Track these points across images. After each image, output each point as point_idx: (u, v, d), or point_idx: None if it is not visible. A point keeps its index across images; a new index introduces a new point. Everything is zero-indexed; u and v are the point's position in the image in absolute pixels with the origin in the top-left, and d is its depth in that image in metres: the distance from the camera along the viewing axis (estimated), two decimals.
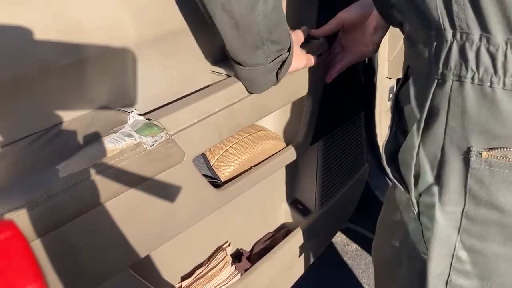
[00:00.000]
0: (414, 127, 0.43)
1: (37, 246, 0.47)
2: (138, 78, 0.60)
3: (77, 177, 0.48)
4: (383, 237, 0.60)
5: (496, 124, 0.37)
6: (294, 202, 1.04)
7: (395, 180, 0.49)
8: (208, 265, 0.82)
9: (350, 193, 1.09)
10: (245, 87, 0.66)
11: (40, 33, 0.48)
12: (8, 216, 0.43)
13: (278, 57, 0.62)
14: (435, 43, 0.40)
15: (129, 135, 0.52)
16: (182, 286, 0.79)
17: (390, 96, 1.16)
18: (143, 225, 0.59)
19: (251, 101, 0.68)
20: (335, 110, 0.90)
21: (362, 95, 1.06)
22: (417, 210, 0.47)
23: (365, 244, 1.48)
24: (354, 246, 1.51)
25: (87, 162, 0.49)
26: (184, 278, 0.81)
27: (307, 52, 0.73)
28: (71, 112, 0.55)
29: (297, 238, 0.93)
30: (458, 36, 0.38)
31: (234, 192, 0.73)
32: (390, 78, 1.12)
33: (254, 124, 0.89)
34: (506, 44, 0.35)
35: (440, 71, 0.40)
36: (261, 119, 0.76)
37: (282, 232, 1.00)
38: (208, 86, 0.67)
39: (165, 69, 0.65)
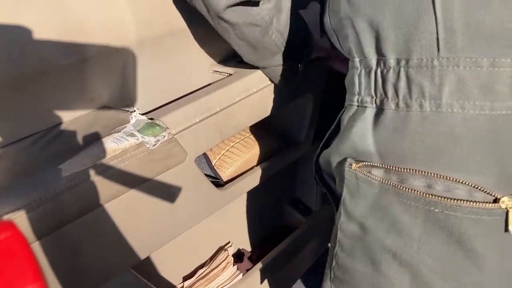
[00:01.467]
0: (322, 142, 0.48)
1: (39, 246, 0.46)
2: (139, 78, 0.60)
3: (80, 176, 0.47)
4: None
5: (362, 141, 0.39)
6: (295, 202, 1.04)
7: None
8: (210, 265, 0.82)
9: None
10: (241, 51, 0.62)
11: (41, 33, 0.47)
12: (10, 216, 0.43)
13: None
14: (351, 70, 0.42)
15: (132, 135, 0.52)
16: (184, 286, 0.78)
17: None
18: (145, 225, 0.58)
19: (253, 101, 0.68)
20: (336, 110, 0.90)
21: None
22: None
23: None
24: None
25: (90, 161, 0.48)
26: (186, 278, 0.81)
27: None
28: (73, 112, 0.55)
29: (298, 238, 0.93)
30: (363, 63, 0.39)
31: (236, 191, 0.73)
32: None
33: (255, 123, 0.89)
34: (377, 65, 0.37)
35: (348, 96, 0.42)
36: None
37: (283, 232, 1.00)
38: (209, 85, 0.67)
39: (166, 69, 0.65)
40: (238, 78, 0.69)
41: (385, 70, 0.37)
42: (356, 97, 0.40)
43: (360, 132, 0.39)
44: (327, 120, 0.89)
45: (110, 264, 0.56)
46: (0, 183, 0.45)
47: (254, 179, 0.77)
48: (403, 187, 0.36)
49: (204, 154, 0.77)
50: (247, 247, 0.96)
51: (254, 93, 0.68)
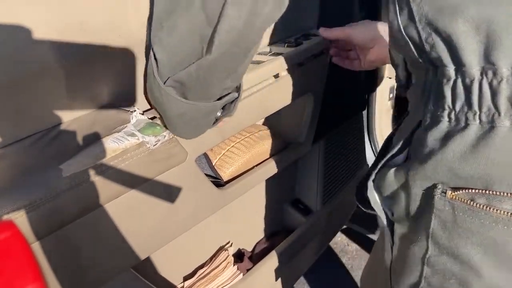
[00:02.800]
0: (385, 158, 0.41)
1: (39, 247, 0.46)
2: (140, 78, 0.60)
3: (80, 177, 0.47)
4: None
5: (465, 163, 0.33)
6: (295, 202, 1.04)
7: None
8: (210, 265, 0.82)
9: (351, 192, 1.09)
10: (170, 129, 0.56)
11: (42, 33, 0.47)
12: (11, 216, 0.43)
13: (227, 95, 0.53)
14: (422, 79, 0.38)
15: (132, 135, 0.52)
16: (185, 286, 0.78)
17: (391, 96, 1.16)
18: (146, 225, 0.58)
19: (253, 101, 0.68)
20: (336, 110, 0.90)
21: (363, 94, 1.06)
22: (391, 240, 0.44)
23: (365, 244, 1.48)
24: (354, 246, 1.51)
25: (90, 161, 0.48)
26: (186, 278, 0.81)
27: (306, 47, 0.73)
28: (73, 111, 0.55)
29: (298, 238, 0.93)
30: (438, 72, 0.35)
31: (236, 191, 0.73)
32: (390, 78, 1.12)
33: (256, 123, 0.89)
34: (482, 74, 0.32)
35: (421, 109, 0.37)
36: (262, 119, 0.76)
37: (283, 231, 1.00)
38: None
39: None
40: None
41: (495, 81, 0.31)
42: (447, 111, 0.34)
43: (460, 154, 0.33)
44: (327, 120, 0.90)
45: (111, 264, 0.56)
46: (0, 183, 0.45)
47: (254, 179, 0.77)
48: None
49: (205, 154, 0.76)
50: (248, 247, 0.96)
51: (254, 93, 0.68)
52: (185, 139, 0.59)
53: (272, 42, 0.76)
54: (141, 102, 0.61)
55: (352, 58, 0.78)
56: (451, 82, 0.34)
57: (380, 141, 1.17)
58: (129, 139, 0.51)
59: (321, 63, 0.79)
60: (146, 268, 0.68)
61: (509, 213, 0.32)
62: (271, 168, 0.80)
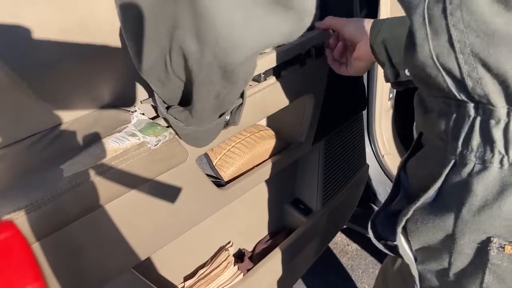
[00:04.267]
0: (417, 204, 0.36)
1: (40, 247, 0.46)
2: (140, 78, 0.60)
3: (81, 177, 0.47)
4: None
5: None
6: (296, 202, 1.04)
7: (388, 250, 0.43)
8: (210, 265, 0.82)
9: (351, 192, 1.09)
10: (183, 140, 0.58)
11: (42, 33, 0.47)
12: (11, 216, 0.43)
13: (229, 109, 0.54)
14: (454, 115, 0.32)
15: (133, 135, 0.52)
16: (185, 286, 0.78)
17: (390, 96, 1.16)
18: (146, 225, 0.58)
19: (253, 101, 0.68)
20: (336, 110, 0.90)
21: (363, 94, 1.06)
22: (419, 286, 0.41)
23: (365, 244, 1.48)
24: (354, 246, 1.51)
25: (91, 161, 0.48)
26: (186, 278, 0.80)
27: (306, 39, 0.72)
28: (74, 111, 0.55)
29: (298, 237, 0.93)
30: (480, 111, 0.30)
31: (237, 191, 0.73)
32: None
33: (256, 123, 0.89)
34: None
35: (458, 150, 0.32)
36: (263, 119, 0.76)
37: (284, 231, 1.00)
38: None
39: None
40: None
41: None
42: (499, 157, 0.30)
43: None
44: (328, 120, 0.90)
45: (111, 264, 0.56)
46: (1, 183, 0.45)
47: (255, 179, 0.77)
48: None
49: (205, 154, 0.76)
50: (248, 247, 0.96)
51: (255, 93, 0.68)
52: (199, 147, 0.61)
53: None
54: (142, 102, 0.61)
55: (341, 63, 0.76)
56: (502, 125, 0.29)
57: (380, 141, 1.17)
58: (130, 139, 0.51)
59: (322, 63, 0.79)
60: (146, 268, 0.68)
61: None
62: (272, 168, 0.80)
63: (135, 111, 0.55)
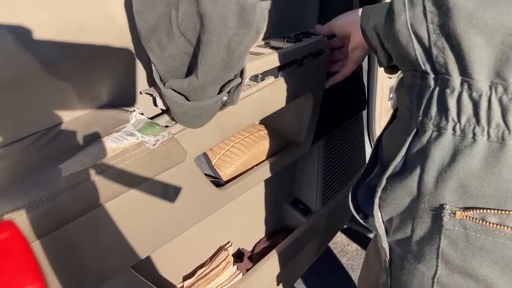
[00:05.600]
0: (387, 173, 0.39)
1: (39, 246, 0.46)
2: (139, 77, 0.60)
3: (79, 176, 0.47)
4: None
5: (475, 181, 0.32)
6: (295, 202, 1.04)
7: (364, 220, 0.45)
8: (210, 265, 0.82)
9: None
10: (178, 121, 0.57)
11: (41, 33, 0.47)
12: (10, 216, 0.43)
13: (228, 82, 0.54)
14: (418, 88, 0.36)
15: (132, 134, 0.52)
16: (184, 286, 0.78)
17: (390, 95, 1.16)
18: (145, 225, 0.58)
19: (253, 100, 0.68)
20: (336, 110, 0.90)
21: (363, 94, 1.06)
22: (388, 258, 0.42)
23: (365, 244, 1.48)
24: (354, 246, 1.51)
25: (89, 161, 0.48)
26: (186, 278, 0.81)
27: (306, 44, 0.73)
28: (73, 111, 0.55)
29: (297, 237, 0.93)
30: (439, 81, 0.33)
31: (236, 191, 0.73)
32: (390, 78, 1.12)
33: (255, 123, 0.89)
34: (491, 89, 0.30)
35: (419, 119, 0.35)
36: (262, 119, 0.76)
37: (283, 231, 1.00)
38: None
39: None
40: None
41: (505, 97, 0.30)
42: (452, 124, 0.33)
43: (470, 171, 0.32)
44: (327, 120, 0.90)
45: (110, 263, 0.56)
46: (0, 182, 0.45)
47: (254, 179, 0.77)
48: None
49: (204, 154, 0.77)
50: (247, 247, 0.96)
51: (254, 93, 0.68)
52: (194, 128, 0.59)
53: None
54: (141, 102, 0.61)
55: (341, 63, 0.79)
56: (456, 94, 0.32)
57: None
58: (128, 139, 0.51)
59: (321, 63, 0.79)
60: (145, 267, 0.68)
61: (502, 226, 0.31)
62: (271, 168, 0.80)
63: (134, 111, 0.55)
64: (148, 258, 0.69)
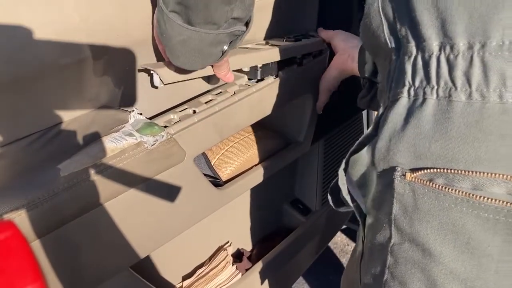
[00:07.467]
0: (352, 148, 0.40)
1: (38, 246, 0.46)
2: (139, 78, 0.60)
3: (78, 176, 0.47)
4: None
5: (424, 140, 0.32)
6: (295, 202, 1.04)
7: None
8: (209, 265, 0.82)
9: None
10: (174, 58, 0.55)
11: (41, 33, 0.47)
12: (9, 216, 0.43)
13: (234, 26, 0.53)
14: (387, 69, 0.37)
15: (130, 135, 0.52)
16: (183, 286, 0.79)
17: None
18: (144, 225, 0.58)
19: (252, 101, 0.68)
20: (336, 110, 0.90)
21: None
22: (363, 234, 0.42)
23: None
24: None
25: (88, 161, 0.48)
26: (185, 278, 0.81)
27: (305, 44, 0.74)
28: (72, 111, 0.55)
29: (297, 237, 0.93)
30: (401, 52, 0.34)
31: (235, 191, 0.73)
32: None
33: (254, 123, 0.89)
34: (440, 49, 0.31)
35: (386, 95, 0.36)
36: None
37: (283, 231, 1.00)
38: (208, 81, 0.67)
39: None
40: (237, 78, 0.69)
41: (451, 55, 0.31)
42: (407, 87, 0.33)
43: (419, 130, 0.32)
44: (327, 120, 0.90)
45: (109, 263, 0.56)
46: None
47: (253, 179, 0.77)
48: (479, 197, 0.30)
49: (203, 154, 0.77)
50: (247, 247, 0.96)
51: (254, 93, 0.68)
52: (190, 69, 0.57)
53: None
54: (140, 102, 0.61)
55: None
56: (412, 58, 0.33)
57: None
58: (127, 139, 0.51)
59: (321, 63, 0.80)
60: (144, 267, 0.68)
61: (467, 193, 0.30)
62: (270, 168, 0.80)
63: (133, 111, 0.55)
64: (147, 258, 0.69)
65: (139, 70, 0.59)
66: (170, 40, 0.52)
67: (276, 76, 0.72)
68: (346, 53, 0.74)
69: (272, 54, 0.69)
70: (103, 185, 0.50)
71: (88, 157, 0.49)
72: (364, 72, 0.58)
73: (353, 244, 1.52)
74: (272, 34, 0.76)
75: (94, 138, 0.51)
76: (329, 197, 0.47)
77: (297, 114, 0.85)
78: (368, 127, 1.13)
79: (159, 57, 0.61)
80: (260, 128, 0.87)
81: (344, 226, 1.35)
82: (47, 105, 0.53)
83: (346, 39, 0.75)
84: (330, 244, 1.52)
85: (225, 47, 0.55)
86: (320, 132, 0.90)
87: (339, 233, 1.56)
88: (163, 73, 0.57)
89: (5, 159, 0.49)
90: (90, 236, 0.52)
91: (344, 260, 1.46)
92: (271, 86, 0.70)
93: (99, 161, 0.49)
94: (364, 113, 1.12)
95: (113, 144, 0.50)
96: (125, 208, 0.54)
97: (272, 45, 0.71)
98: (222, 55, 0.56)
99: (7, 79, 0.47)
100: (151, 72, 0.58)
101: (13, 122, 0.50)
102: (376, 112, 1.16)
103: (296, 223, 0.99)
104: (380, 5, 0.36)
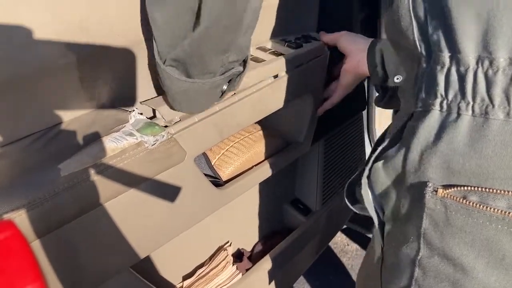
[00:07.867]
0: (375, 154, 0.39)
1: (38, 246, 0.46)
2: (139, 77, 0.60)
3: (79, 176, 0.47)
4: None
5: (458, 157, 0.31)
6: (295, 202, 1.04)
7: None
8: (209, 265, 0.82)
9: None
10: (176, 105, 0.57)
11: (40, 33, 0.47)
12: (9, 216, 0.43)
13: (230, 69, 0.54)
14: (414, 73, 0.36)
15: (131, 134, 0.52)
16: (184, 286, 0.78)
17: None
18: (144, 225, 0.58)
19: (252, 100, 0.68)
20: (335, 110, 0.90)
21: (363, 95, 1.06)
22: (382, 243, 0.42)
23: (365, 244, 1.48)
24: (354, 246, 1.51)
25: (89, 161, 0.48)
26: (185, 278, 0.81)
27: (306, 51, 0.74)
28: (72, 111, 0.55)
29: (297, 237, 0.93)
30: (432, 61, 0.33)
31: (235, 191, 0.73)
32: None
33: (255, 123, 0.89)
34: (477, 63, 0.30)
35: (412, 100, 0.36)
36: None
37: (283, 231, 1.00)
38: None
39: None
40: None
41: (490, 71, 0.29)
42: (439, 100, 0.32)
43: (453, 146, 0.31)
44: (327, 120, 0.90)
45: (110, 263, 0.56)
46: None
47: (253, 179, 0.77)
48: None
49: (204, 154, 0.77)
50: (247, 247, 0.96)
51: (254, 93, 0.68)
52: (192, 113, 0.59)
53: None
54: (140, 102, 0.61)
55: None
56: (445, 70, 0.32)
57: None
58: (127, 139, 0.51)
59: (321, 63, 0.80)
60: (145, 267, 0.68)
61: (503, 212, 0.30)
62: (271, 168, 0.80)
63: (133, 110, 0.55)
64: (147, 258, 0.69)
65: (141, 103, 0.60)
66: (170, 91, 0.55)
67: (277, 76, 0.72)
68: (356, 57, 0.73)
69: (279, 66, 0.70)
70: (104, 185, 0.50)
71: (89, 157, 0.49)
72: (375, 79, 0.59)
73: (353, 244, 1.52)
74: (272, 34, 0.76)
75: (95, 138, 0.51)
76: (345, 194, 0.47)
77: (297, 114, 0.85)
78: (368, 127, 1.14)
79: None
80: (261, 128, 0.87)
81: (344, 226, 1.35)
82: (47, 105, 0.53)
83: (354, 41, 0.74)
84: (330, 244, 1.52)
85: (225, 87, 0.57)
86: (320, 132, 0.90)
87: (339, 233, 1.56)
88: (164, 112, 0.58)
89: (5, 159, 0.49)
90: (90, 236, 0.52)
91: (344, 260, 1.46)
92: (271, 86, 0.70)
93: (99, 161, 0.49)
94: (364, 113, 1.12)
95: (113, 144, 0.50)
96: (126, 208, 0.54)
97: (273, 52, 0.72)
98: (222, 94, 0.58)
99: (7, 79, 0.47)
100: (153, 108, 0.59)
101: (13, 122, 0.50)
102: (376, 111, 1.16)
103: (296, 223, 0.99)
104: (411, 3, 0.34)
